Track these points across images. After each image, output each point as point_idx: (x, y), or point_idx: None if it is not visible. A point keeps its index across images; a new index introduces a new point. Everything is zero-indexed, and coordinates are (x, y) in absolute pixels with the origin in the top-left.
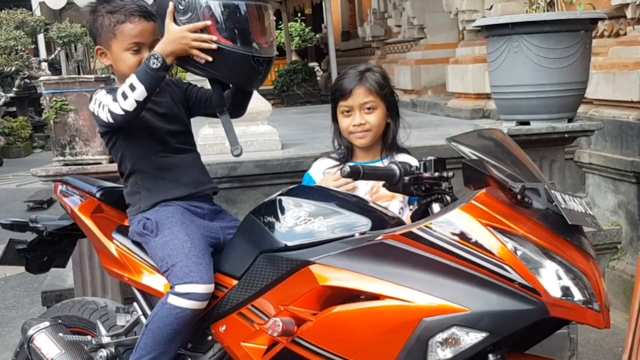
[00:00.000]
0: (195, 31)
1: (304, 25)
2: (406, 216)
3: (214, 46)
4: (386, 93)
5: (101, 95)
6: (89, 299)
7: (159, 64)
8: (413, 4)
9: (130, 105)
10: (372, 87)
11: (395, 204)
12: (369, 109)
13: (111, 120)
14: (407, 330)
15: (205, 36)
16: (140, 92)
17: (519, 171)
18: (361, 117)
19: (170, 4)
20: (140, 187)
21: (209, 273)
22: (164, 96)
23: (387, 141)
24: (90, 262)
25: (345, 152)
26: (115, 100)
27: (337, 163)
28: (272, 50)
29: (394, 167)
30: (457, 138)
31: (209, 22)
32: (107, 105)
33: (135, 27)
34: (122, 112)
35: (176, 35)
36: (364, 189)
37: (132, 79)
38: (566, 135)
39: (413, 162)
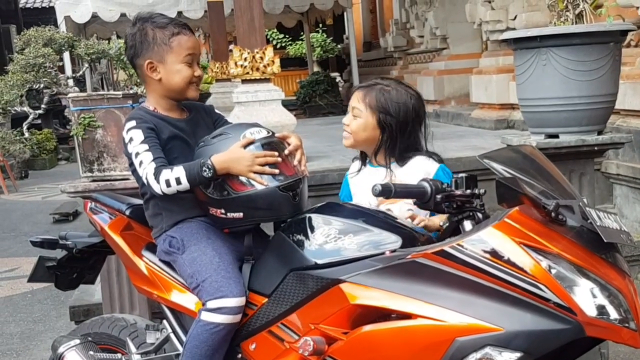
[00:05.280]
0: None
1: (325, 36)
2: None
3: (276, 171)
4: (381, 111)
5: (143, 150)
6: (118, 315)
7: (210, 174)
8: (436, 14)
9: (170, 192)
10: (367, 96)
11: (401, 205)
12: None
13: (146, 185)
14: (440, 350)
15: (270, 160)
16: (184, 187)
17: (551, 187)
18: (349, 117)
19: (248, 135)
20: (162, 208)
21: (239, 286)
22: (200, 129)
23: (380, 151)
24: (118, 278)
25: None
26: (156, 179)
27: (359, 167)
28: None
29: (425, 185)
30: (489, 155)
31: (278, 159)
32: (147, 174)
33: (189, 39)
34: (159, 193)
35: (244, 157)
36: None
37: (181, 174)
38: (596, 148)
39: (432, 169)
